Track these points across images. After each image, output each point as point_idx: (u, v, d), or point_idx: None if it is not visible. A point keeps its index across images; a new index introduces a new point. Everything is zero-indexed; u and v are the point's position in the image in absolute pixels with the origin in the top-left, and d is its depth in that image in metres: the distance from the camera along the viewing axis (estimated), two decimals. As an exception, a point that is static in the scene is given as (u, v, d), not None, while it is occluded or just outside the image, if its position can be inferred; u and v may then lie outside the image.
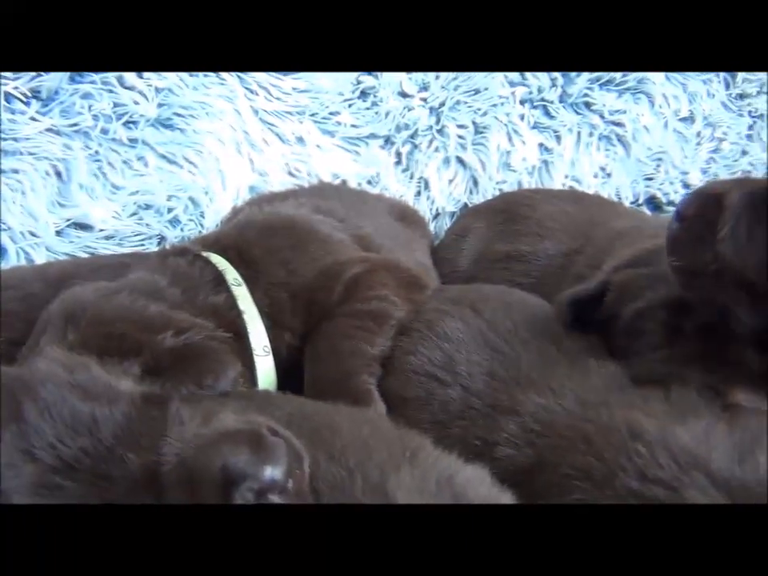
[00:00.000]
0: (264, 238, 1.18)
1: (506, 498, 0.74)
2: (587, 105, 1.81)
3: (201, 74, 1.59)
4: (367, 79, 1.80)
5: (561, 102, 1.82)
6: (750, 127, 1.78)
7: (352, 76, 1.79)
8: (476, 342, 1.05)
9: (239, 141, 1.65)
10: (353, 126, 1.81)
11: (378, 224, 1.41)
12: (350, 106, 1.80)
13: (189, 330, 0.94)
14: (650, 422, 0.79)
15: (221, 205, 1.62)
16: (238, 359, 0.98)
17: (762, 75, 1.74)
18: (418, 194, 1.89)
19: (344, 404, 0.92)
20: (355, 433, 0.77)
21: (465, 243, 1.62)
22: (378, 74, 1.80)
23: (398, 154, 1.85)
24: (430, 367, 1.05)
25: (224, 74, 1.61)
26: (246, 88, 1.66)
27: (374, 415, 0.94)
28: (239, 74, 1.65)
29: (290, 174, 1.75)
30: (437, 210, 1.89)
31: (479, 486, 0.72)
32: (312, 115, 1.76)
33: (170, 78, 1.53)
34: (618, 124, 1.80)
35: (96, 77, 1.47)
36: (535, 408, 0.91)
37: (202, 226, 1.61)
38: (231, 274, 1.10)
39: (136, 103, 1.49)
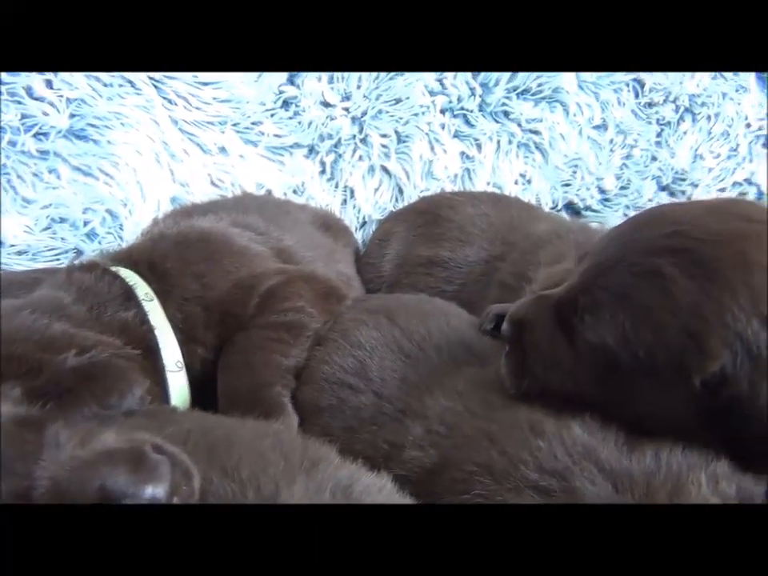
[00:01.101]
0: (178, 251, 1.17)
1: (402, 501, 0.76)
2: (506, 113, 1.85)
3: (116, 83, 1.56)
4: (289, 89, 1.80)
5: (480, 110, 1.86)
6: (659, 134, 1.86)
7: (274, 85, 1.79)
8: (389, 349, 1.06)
9: (158, 151, 1.62)
10: (276, 135, 1.80)
11: (300, 235, 1.41)
12: (272, 115, 1.79)
13: (93, 348, 0.92)
14: (549, 419, 0.82)
15: (141, 217, 1.59)
16: (147, 376, 0.96)
17: (667, 84, 1.82)
18: (344, 202, 1.90)
19: (256, 416, 0.92)
20: (254, 446, 0.77)
21: (387, 248, 1.63)
22: (300, 83, 1.81)
23: (323, 163, 1.85)
24: (342, 375, 1.06)
25: (140, 84, 1.58)
26: (164, 97, 1.64)
27: (278, 428, 0.93)
28: (156, 83, 1.63)
29: (213, 184, 1.74)
30: (363, 218, 1.90)
31: (377, 493, 0.73)
32: (234, 125, 1.75)
33: (82, 89, 1.50)
34: (535, 132, 1.85)
35: (2, 87, 1.42)
36: (442, 411, 0.93)
37: (121, 238, 1.57)
38: (142, 289, 1.08)
39: (45, 114, 1.45)
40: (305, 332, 1.13)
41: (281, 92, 1.81)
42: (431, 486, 0.85)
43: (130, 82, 1.58)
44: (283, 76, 1.80)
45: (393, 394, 0.99)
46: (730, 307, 0.74)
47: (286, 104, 1.80)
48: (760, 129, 1.83)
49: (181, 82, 1.67)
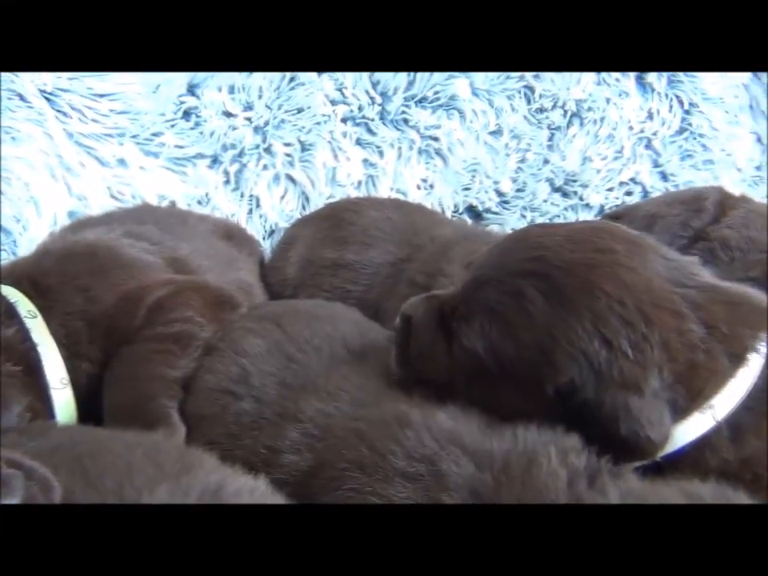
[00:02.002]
0: (61, 265, 1.15)
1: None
2: (405, 121, 1.91)
3: (4, 96, 1.52)
4: (189, 99, 1.80)
5: (381, 119, 1.91)
6: (550, 138, 1.95)
7: (173, 96, 1.78)
8: (271, 354, 1.08)
9: (52, 165, 1.58)
10: (177, 146, 1.79)
11: (198, 245, 1.42)
12: (172, 126, 1.78)
13: None
14: (415, 411, 0.88)
15: (36, 232, 1.55)
16: (29, 393, 0.95)
17: (555, 90, 1.92)
18: (250, 212, 1.90)
19: (139, 428, 0.92)
20: (123, 456, 0.77)
21: (292, 251, 1.65)
22: (200, 93, 1.81)
23: (227, 173, 1.85)
24: (225, 383, 1.07)
25: (30, 97, 1.55)
26: (57, 110, 1.61)
27: (156, 438, 0.94)
28: (48, 95, 1.60)
29: (113, 197, 1.71)
30: (270, 227, 1.91)
31: (249, 495, 0.75)
32: (133, 137, 1.73)
33: (-32, 103, 1.46)
34: (435, 138, 1.91)
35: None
36: (315, 413, 0.96)
37: (15, 254, 1.53)
38: (25, 306, 1.06)
39: (-71, 129, 1.40)
40: (193, 342, 1.14)
41: (181, 102, 1.81)
42: (308, 488, 0.89)
43: (20, 95, 1.55)
44: (183, 86, 1.79)
45: (272, 398, 1.01)
46: (575, 328, 0.85)
47: (186, 114, 1.80)
48: (642, 131, 1.96)
49: (75, 94, 1.64)
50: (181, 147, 1.79)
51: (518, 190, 1.98)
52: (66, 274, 1.14)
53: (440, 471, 0.78)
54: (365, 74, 1.88)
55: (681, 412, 0.84)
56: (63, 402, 1.05)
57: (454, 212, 1.98)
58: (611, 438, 0.83)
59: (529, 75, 1.91)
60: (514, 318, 0.88)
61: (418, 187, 1.94)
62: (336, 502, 0.83)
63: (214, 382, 1.08)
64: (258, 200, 1.89)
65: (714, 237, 1.35)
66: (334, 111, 1.88)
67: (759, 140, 2.02)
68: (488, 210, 1.98)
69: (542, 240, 0.94)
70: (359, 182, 1.90)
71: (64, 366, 1.06)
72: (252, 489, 0.76)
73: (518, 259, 0.93)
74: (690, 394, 0.85)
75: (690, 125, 1.94)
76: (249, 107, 1.85)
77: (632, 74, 1.93)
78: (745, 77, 1.98)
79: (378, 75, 1.89)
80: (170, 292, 1.15)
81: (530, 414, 0.88)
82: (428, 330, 0.96)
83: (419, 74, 1.88)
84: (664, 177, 1.98)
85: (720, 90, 1.94)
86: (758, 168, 2.05)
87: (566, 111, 1.94)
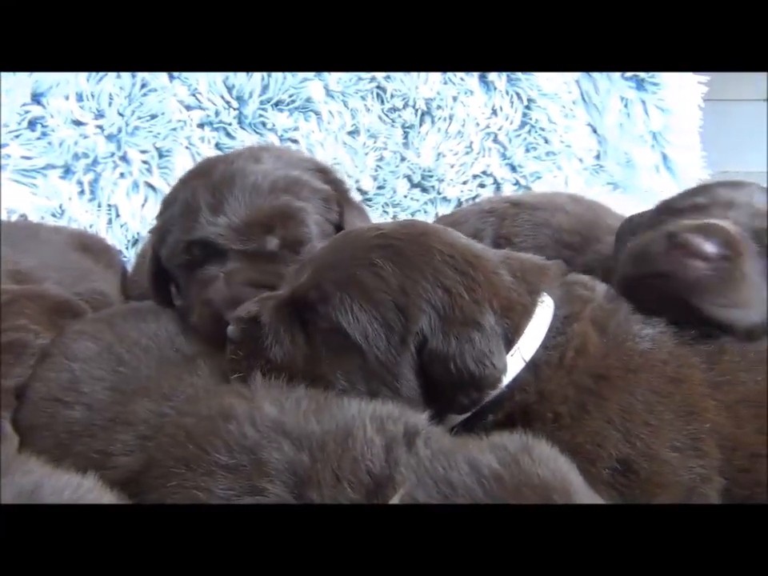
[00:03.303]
0: None
1: (108, 497, 0.80)
2: (263, 124, 1.93)
3: None
4: (34, 108, 1.75)
5: (239, 123, 1.93)
6: (405, 136, 2.05)
7: (16, 105, 1.73)
8: (102, 358, 1.09)
9: None
10: (24, 157, 1.74)
11: (47, 257, 1.40)
12: (17, 137, 1.73)
13: None
14: (241, 403, 0.91)
15: None
16: None
17: (405, 90, 2.01)
18: (110, 221, 1.87)
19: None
20: None
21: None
22: (46, 102, 1.76)
23: (81, 184, 1.81)
24: (55, 391, 1.07)
25: None
26: None
27: None
28: None
29: (-42, 212, 1.64)
30: (133, 236, 1.88)
31: (72, 492, 0.75)
32: (-25, 149, 1.67)
33: None
34: (294, 140, 1.95)
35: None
36: (148, 415, 0.98)
37: None
38: None
39: None
40: (27, 350, 1.13)
41: (26, 112, 1.75)
42: (139, 486, 0.90)
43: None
44: (26, 95, 1.74)
45: (103, 404, 1.02)
46: (420, 282, 0.98)
47: (32, 124, 1.75)
48: (488, 127, 2.08)
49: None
50: (28, 158, 1.74)
51: (379, 188, 2.06)
52: None
53: (261, 459, 0.81)
54: (219, 79, 1.90)
55: (508, 345, 0.98)
56: None
57: (319, 212, 2.02)
58: (460, 377, 0.94)
59: (380, 76, 1.99)
60: (370, 284, 0.98)
61: (283, 189, 1.97)
62: (161, 499, 0.85)
63: (44, 391, 1.07)
64: (117, 209, 1.86)
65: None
66: (189, 116, 1.88)
67: (595, 131, 2.20)
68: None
69: (378, 227, 1.08)
70: (221, 187, 1.91)
71: None
72: (77, 486, 0.76)
73: (364, 239, 1.04)
74: (513, 326, 0.99)
75: (530, 119, 2.08)
76: (100, 115, 1.82)
77: (475, 73, 2.05)
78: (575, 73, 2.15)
79: (233, 79, 1.91)
80: (2, 302, 1.13)
81: (392, 387, 0.97)
82: (284, 325, 1.01)
83: (273, 78, 1.91)
84: (513, 168, 2.11)
85: (554, 86, 2.09)
86: (597, 157, 2.23)
87: (416, 110, 2.03)
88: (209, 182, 1.20)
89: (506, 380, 0.97)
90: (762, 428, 0.95)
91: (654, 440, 0.94)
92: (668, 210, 1.18)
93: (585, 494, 0.74)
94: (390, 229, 1.05)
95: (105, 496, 0.79)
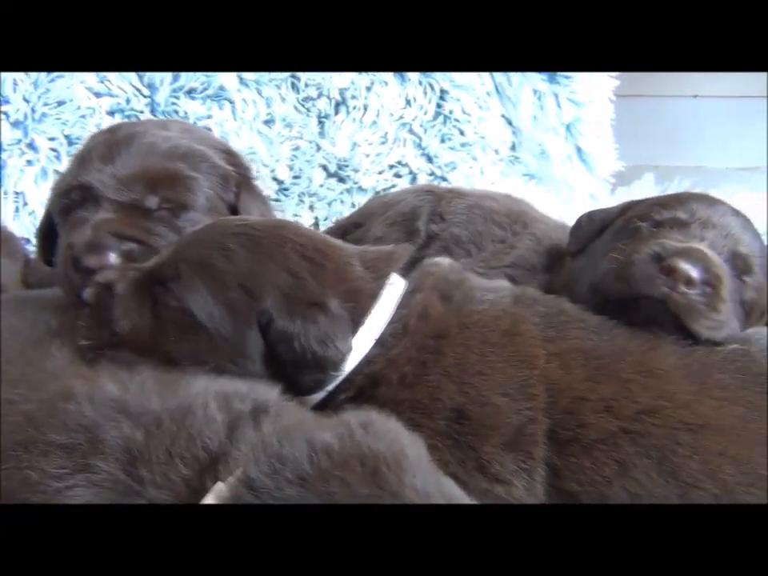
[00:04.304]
0: None
1: None
2: (176, 112, 1.93)
3: None
4: (-68, 94, 1.72)
5: (151, 110, 1.92)
6: (320, 126, 2.07)
7: None
8: None
9: None
10: None
11: None
12: None
13: None
14: (82, 383, 0.91)
15: None
16: None
17: (319, 80, 2.03)
18: (17, 210, 1.85)
19: None
20: None
21: None
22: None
23: (-15, 171, 1.79)
24: None
25: None
26: None
27: None
28: None
29: None
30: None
31: None
32: None
33: None
34: (207, 129, 1.94)
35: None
36: (2, 404, 0.96)
37: None
38: None
39: None
40: None
41: None
42: None
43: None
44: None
45: None
46: (269, 266, 1.03)
47: (-70, 110, 1.72)
48: (402, 117, 2.11)
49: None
50: (-73, 145, 1.70)
51: (295, 177, 2.07)
52: None
53: (97, 437, 0.82)
54: (128, 66, 1.89)
55: (356, 328, 1.03)
56: None
57: (235, 200, 2.02)
58: (303, 357, 0.98)
59: (293, 65, 2.00)
60: (221, 266, 1.03)
61: (196, 177, 1.97)
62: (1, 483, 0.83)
63: None
64: (24, 197, 1.84)
65: (445, 237, 1.52)
66: (98, 104, 1.87)
67: (509, 123, 2.26)
68: (268, 198, 2.04)
69: (242, 219, 1.13)
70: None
71: None
72: None
73: (222, 226, 1.10)
74: (360, 309, 1.04)
75: (444, 110, 2.12)
76: (5, 101, 1.80)
77: (389, 65, 2.08)
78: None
79: (144, 67, 1.90)
80: None
81: (240, 365, 1.01)
82: (136, 298, 1.04)
83: (184, 66, 1.91)
84: (429, 159, 2.15)
85: (468, 78, 2.13)
86: (512, 148, 2.29)
87: (331, 99, 2.05)
88: (111, 138, 1.23)
89: (357, 359, 1.02)
90: (589, 376, 1.01)
91: (486, 387, 1.00)
92: (641, 216, 1.22)
93: (422, 470, 0.74)
94: (254, 221, 1.11)
95: None
